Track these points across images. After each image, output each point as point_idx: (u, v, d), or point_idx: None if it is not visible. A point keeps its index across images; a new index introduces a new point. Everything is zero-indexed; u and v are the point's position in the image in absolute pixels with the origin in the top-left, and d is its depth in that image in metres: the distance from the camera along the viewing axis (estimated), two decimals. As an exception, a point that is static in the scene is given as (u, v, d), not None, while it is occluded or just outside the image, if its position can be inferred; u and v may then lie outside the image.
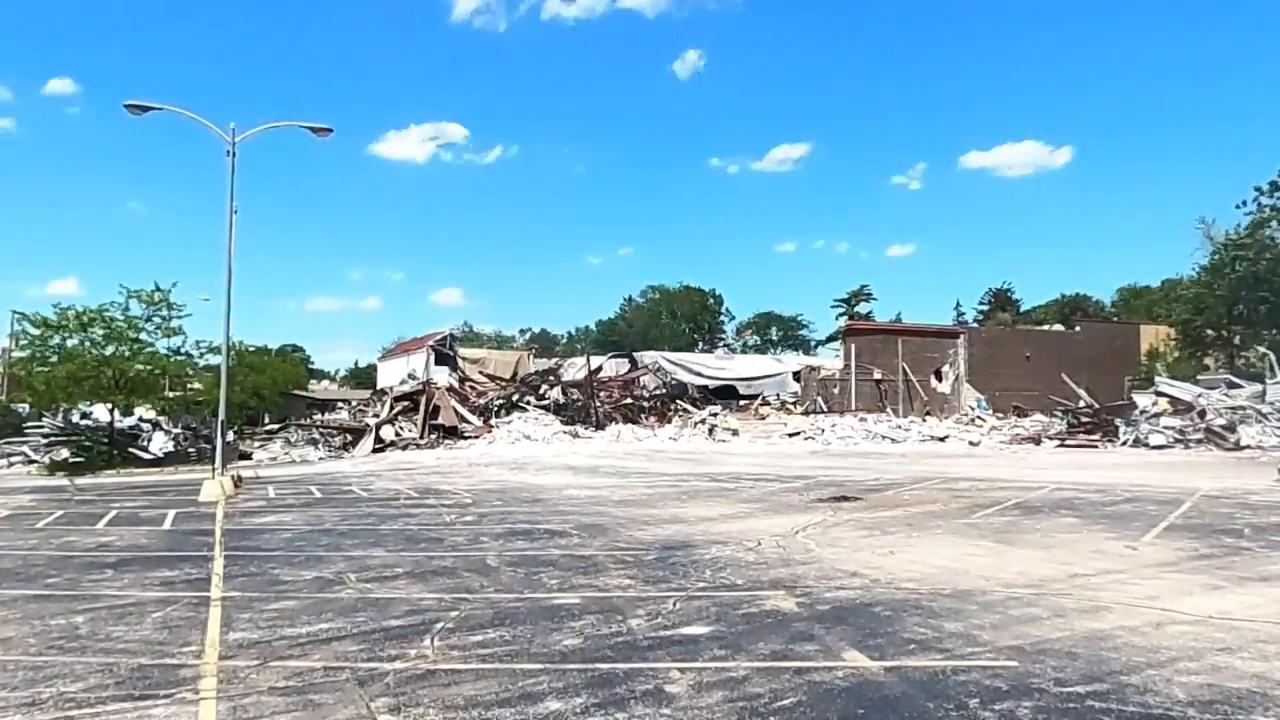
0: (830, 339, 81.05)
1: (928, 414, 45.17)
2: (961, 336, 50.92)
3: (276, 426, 42.56)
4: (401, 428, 37.76)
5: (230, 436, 25.19)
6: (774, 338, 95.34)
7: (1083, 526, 10.80)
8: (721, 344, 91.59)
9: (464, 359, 53.62)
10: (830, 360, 53.89)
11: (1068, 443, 32.16)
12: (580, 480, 19.26)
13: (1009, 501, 13.65)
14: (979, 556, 8.68)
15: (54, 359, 26.70)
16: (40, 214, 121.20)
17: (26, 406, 34.46)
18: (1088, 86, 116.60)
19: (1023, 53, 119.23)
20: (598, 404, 43.08)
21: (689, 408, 44.93)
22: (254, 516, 13.25)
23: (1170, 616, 6.08)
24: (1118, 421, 33.07)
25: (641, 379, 49.01)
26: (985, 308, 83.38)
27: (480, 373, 50.84)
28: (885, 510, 12.73)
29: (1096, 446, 30.94)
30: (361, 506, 14.63)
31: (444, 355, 52.55)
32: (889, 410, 45.35)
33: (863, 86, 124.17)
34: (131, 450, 27.84)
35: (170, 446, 29.32)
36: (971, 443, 34.35)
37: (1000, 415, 43.88)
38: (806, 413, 44.29)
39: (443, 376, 46.54)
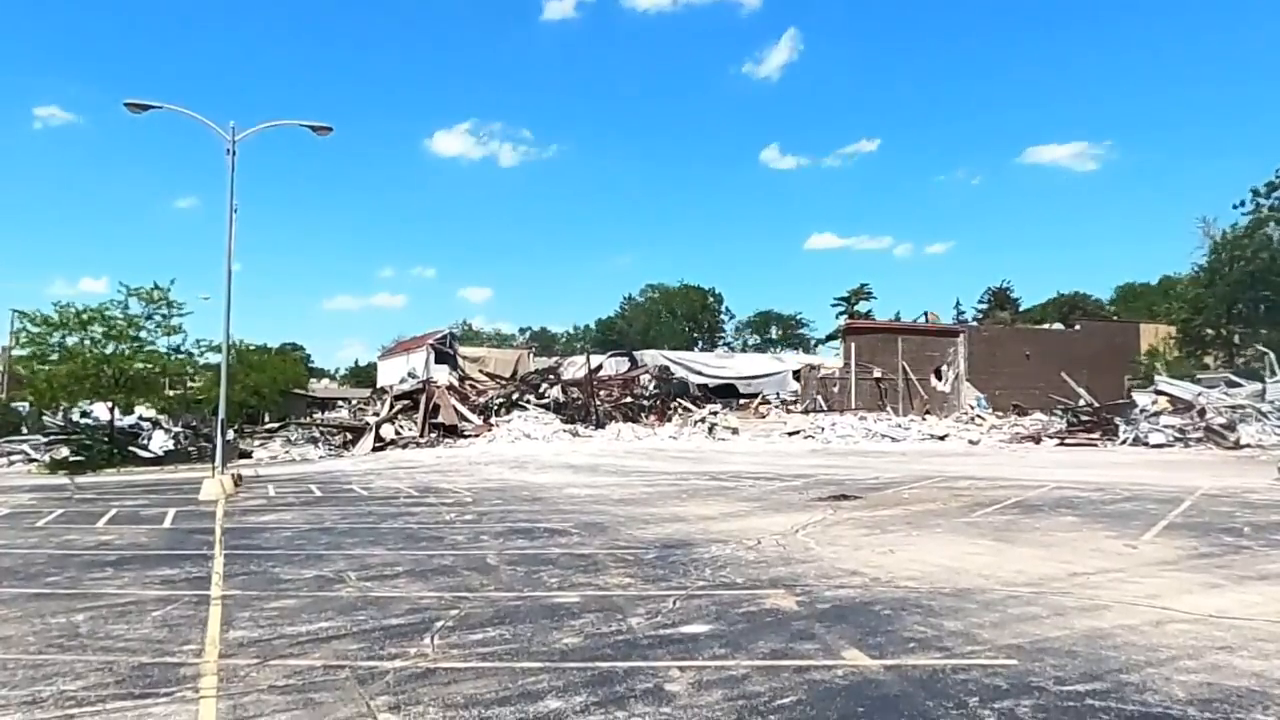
0: (830, 338, 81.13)
1: (927, 413, 45.18)
2: (961, 335, 50.92)
3: (276, 425, 42.55)
4: (401, 426, 37.77)
5: (230, 435, 25.19)
6: (774, 336, 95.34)
7: (1082, 525, 10.80)
8: (721, 343, 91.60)
9: (464, 358, 53.65)
10: (830, 359, 53.88)
11: (1067, 441, 32.16)
12: (580, 479, 19.26)
13: (1009, 500, 13.65)
14: (979, 555, 8.69)
15: (54, 357, 26.69)
16: (83, 212, 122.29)
17: (27, 405, 34.46)
18: (1086, 87, 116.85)
19: (1023, 54, 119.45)
20: (598, 403, 43.08)
21: (689, 406, 44.95)
22: (254, 515, 13.26)
23: (1170, 615, 6.08)
24: (1117, 420, 33.06)
25: (641, 378, 49.01)
26: (984, 306, 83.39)
27: (480, 371, 50.86)
28: (885, 509, 12.73)
29: (1096, 445, 30.94)
30: (361, 505, 14.63)
31: (444, 354, 52.58)
32: (889, 409, 45.36)
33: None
34: (131, 449, 27.83)
35: (170, 445, 29.33)
36: (971, 441, 34.35)
37: (1000, 414, 43.88)
38: (806, 411, 44.31)
39: (443, 375, 46.55)
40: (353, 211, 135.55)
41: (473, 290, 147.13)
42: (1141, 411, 33.38)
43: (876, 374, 47.32)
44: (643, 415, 43.70)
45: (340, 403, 57.05)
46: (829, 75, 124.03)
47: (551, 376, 48.41)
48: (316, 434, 38.25)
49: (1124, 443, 30.61)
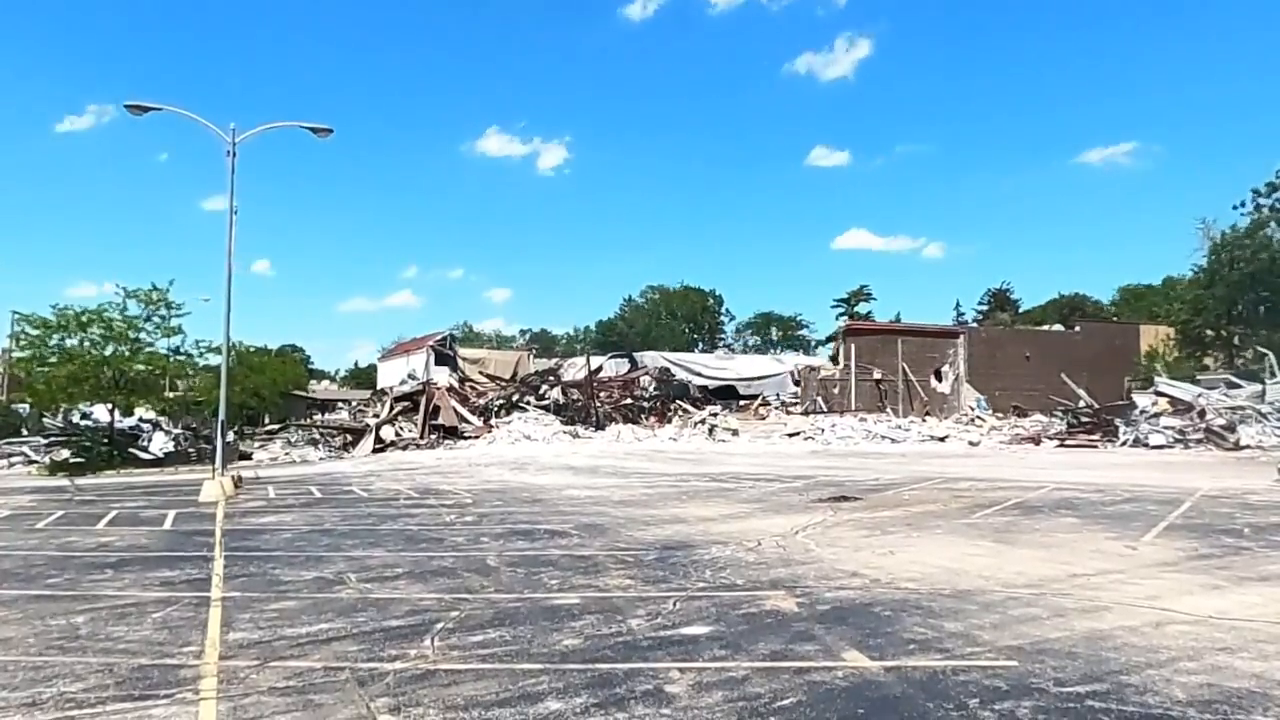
0: (829, 339, 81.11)
1: (927, 414, 45.19)
2: (961, 337, 50.94)
3: (277, 427, 42.56)
4: (401, 428, 37.78)
5: (230, 437, 25.19)
6: (774, 338, 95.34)
7: (1082, 526, 10.80)
8: (721, 344, 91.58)
9: (464, 359, 53.66)
10: (828, 361, 53.87)
11: (1067, 443, 32.16)
12: (580, 480, 19.26)
13: (1009, 501, 13.65)
14: (979, 556, 8.68)
15: (54, 359, 26.70)
16: (115, 215, 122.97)
17: (27, 406, 34.48)
18: (1088, 87, 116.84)
19: (1024, 54, 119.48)
20: (598, 404, 43.09)
21: (689, 408, 44.93)
22: (254, 517, 13.26)
23: (1170, 616, 6.08)
24: (1117, 421, 33.07)
25: (641, 379, 49.02)
26: (984, 308, 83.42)
27: (480, 373, 50.88)
28: (885, 510, 12.73)
29: (1096, 446, 30.94)
30: (361, 507, 14.63)
31: (444, 355, 52.59)
32: (889, 410, 45.37)
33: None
34: (131, 450, 27.86)
35: (170, 447, 29.37)
36: (971, 443, 34.36)
37: (1000, 415, 43.89)
38: (806, 413, 44.29)
39: (443, 377, 46.56)
40: (379, 212, 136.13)
41: (496, 291, 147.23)
42: (1141, 413, 33.40)
43: (876, 375, 47.32)
44: (642, 417, 43.69)
45: (340, 404, 57.09)
46: (885, 76, 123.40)
47: (551, 378, 48.42)
48: (317, 436, 38.29)
49: (1124, 444, 30.61)
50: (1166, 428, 30.67)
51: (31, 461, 27.99)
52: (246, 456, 30.48)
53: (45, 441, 29.84)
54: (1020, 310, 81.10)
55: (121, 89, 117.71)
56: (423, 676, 4.90)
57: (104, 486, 20.04)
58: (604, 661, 5.14)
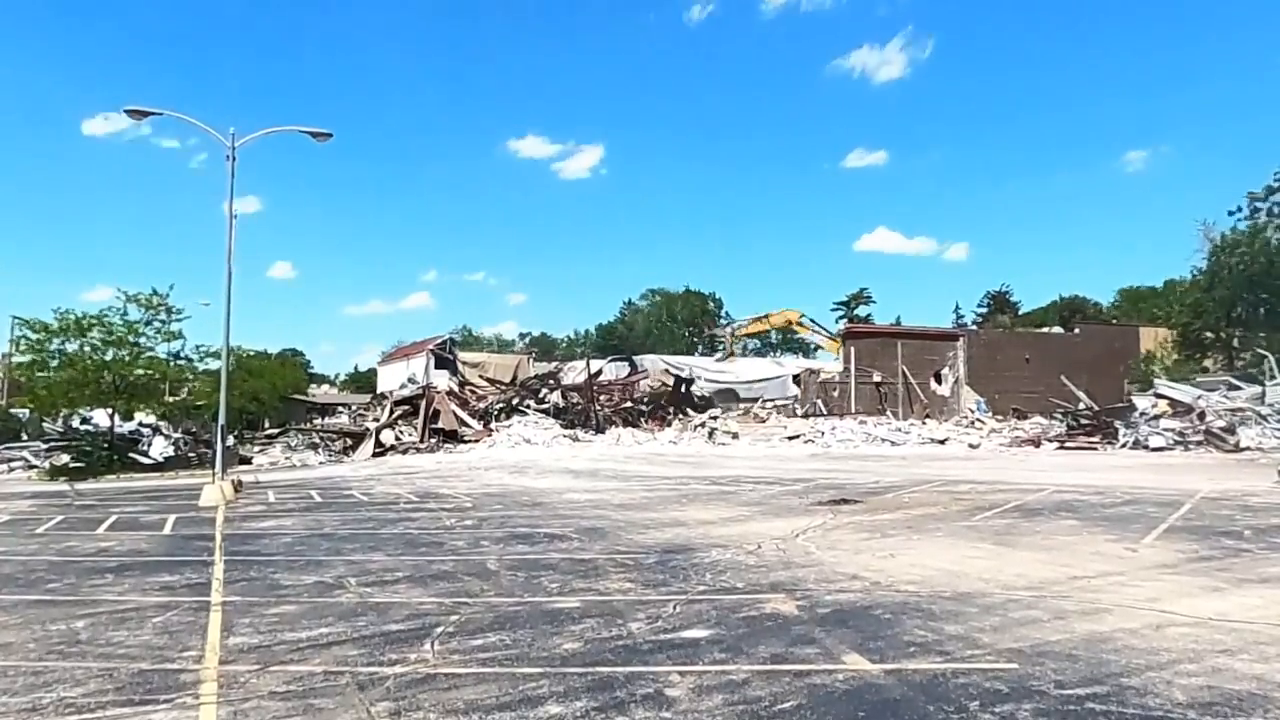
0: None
1: (927, 417, 45.17)
2: (961, 339, 50.94)
3: (276, 431, 42.54)
4: (401, 432, 37.77)
5: (230, 441, 25.19)
6: (774, 340, 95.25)
7: (1082, 529, 10.80)
8: (720, 347, 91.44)
9: (464, 363, 53.68)
10: (830, 363, 53.86)
11: (1067, 445, 32.15)
12: (580, 484, 19.26)
13: (1009, 504, 13.65)
14: (979, 559, 8.68)
15: (54, 364, 26.70)
16: (141, 219, 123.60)
17: (27, 411, 34.47)
18: (1088, 87, 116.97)
19: (1022, 55, 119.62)
20: (597, 407, 43.10)
21: (689, 411, 44.93)
22: (254, 521, 13.25)
23: (1170, 618, 6.08)
24: (1117, 424, 33.06)
25: (641, 382, 49.03)
26: (984, 310, 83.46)
27: (480, 377, 50.90)
28: (885, 513, 12.72)
29: (1096, 449, 30.93)
30: (361, 511, 14.63)
31: (444, 359, 52.63)
32: (889, 413, 45.35)
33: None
34: (131, 455, 27.83)
35: (170, 451, 29.31)
36: (971, 445, 34.35)
37: (1000, 418, 43.87)
38: (806, 416, 44.28)
39: (442, 381, 46.61)
40: (406, 216, 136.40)
41: (514, 295, 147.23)
42: (1141, 415, 33.39)
43: (876, 378, 47.32)
44: (642, 420, 43.68)
45: (340, 408, 57.05)
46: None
47: (551, 381, 48.45)
48: (316, 440, 38.25)
49: (1124, 446, 30.59)
50: (1166, 430, 30.65)
51: (31, 466, 27.99)
52: (246, 461, 30.47)
53: (45, 446, 29.83)
54: (1020, 312, 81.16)
55: (165, 92, 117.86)
56: (423, 680, 4.90)
57: (104, 491, 20.03)
58: (604, 665, 5.14)
